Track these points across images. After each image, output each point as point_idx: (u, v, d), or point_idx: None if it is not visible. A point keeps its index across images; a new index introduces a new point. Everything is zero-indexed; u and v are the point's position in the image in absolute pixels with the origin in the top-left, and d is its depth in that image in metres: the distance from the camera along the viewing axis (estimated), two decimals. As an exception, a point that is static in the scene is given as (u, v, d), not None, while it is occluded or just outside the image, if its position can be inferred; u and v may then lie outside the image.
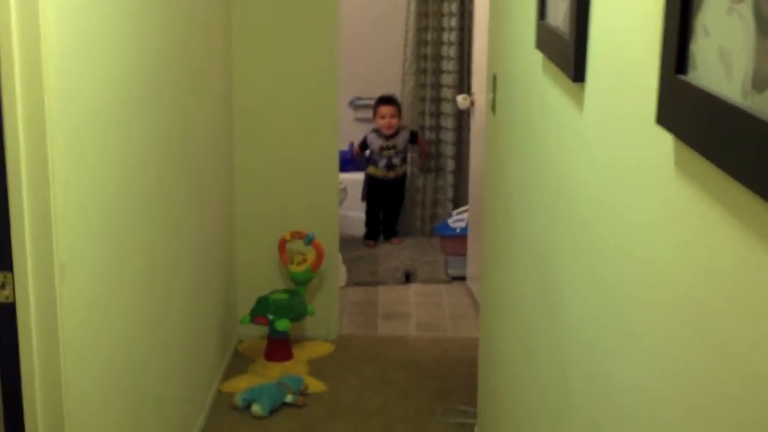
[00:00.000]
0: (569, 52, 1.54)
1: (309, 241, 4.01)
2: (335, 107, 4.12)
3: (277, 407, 3.57)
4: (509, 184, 2.51)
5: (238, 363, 3.98)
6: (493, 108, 2.92)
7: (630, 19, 1.23)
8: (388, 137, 5.52)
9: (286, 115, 4.09)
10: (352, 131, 5.87)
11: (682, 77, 0.94)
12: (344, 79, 4.61)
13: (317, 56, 4.04)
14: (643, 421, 1.15)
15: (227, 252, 3.98)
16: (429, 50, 5.65)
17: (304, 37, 4.02)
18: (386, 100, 5.56)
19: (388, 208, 5.65)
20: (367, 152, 5.62)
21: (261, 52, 4.02)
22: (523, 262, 2.22)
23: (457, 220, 5.26)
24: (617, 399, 1.28)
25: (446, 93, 5.64)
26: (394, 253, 5.41)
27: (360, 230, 5.63)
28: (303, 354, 4.02)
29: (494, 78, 2.91)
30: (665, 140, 1.03)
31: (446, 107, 5.66)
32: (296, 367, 3.88)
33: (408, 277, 5.05)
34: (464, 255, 4.96)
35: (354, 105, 6.20)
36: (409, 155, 5.69)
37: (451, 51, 5.58)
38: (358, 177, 5.66)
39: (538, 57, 2.02)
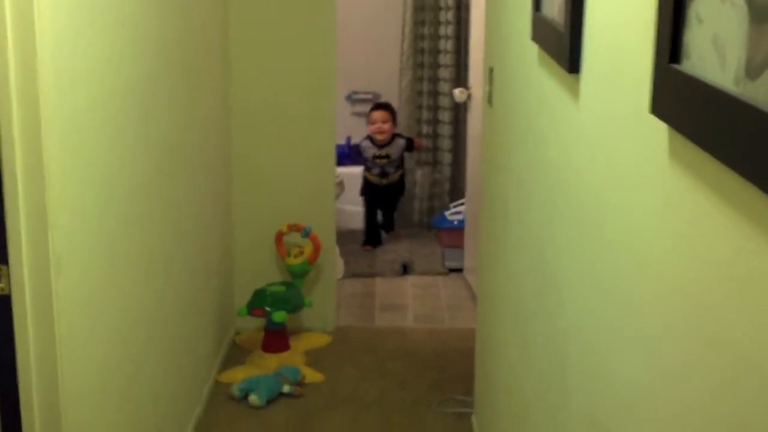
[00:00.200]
0: (564, 44, 1.55)
1: (306, 233, 4.02)
2: (332, 101, 4.12)
3: (275, 397, 3.57)
4: (506, 175, 2.52)
5: (235, 354, 3.98)
6: (490, 101, 2.92)
7: (624, 10, 1.23)
8: (381, 146, 5.34)
9: (283, 109, 4.09)
10: (349, 125, 5.86)
11: (676, 66, 0.94)
12: (341, 74, 4.60)
13: (314, 50, 4.04)
14: (639, 408, 1.15)
15: (225, 244, 3.98)
16: (426, 44, 5.65)
17: (301, 32, 4.02)
18: (378, 105, 5.44)
19: (386, 207, 5.60)
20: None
21: (258, 46, 4.01)
22: (520, 253, 2.22)
23: (454, 212, 5.26)
24: (614, 388, 1.28)
25: (443, 87, 5.64)
26: (392, 246, 5.42)
27: (357, 224, 5.61)
28: (300, 345, 4.02)
29: (491, 71, 2.91)
30: (659, 129, 1.03)
31: (443, 101, 5.66)
32: (293, 358, 3.89)
33: (405, 269, 5.05)
34: (461, 247, 4.96)
35: (351, 99, 6.19)
36: (405, 163, 5.51)
37: (448, 45, 5.58)
38: (355, 171, 5.60)
39: (533, 49, 2.03)
